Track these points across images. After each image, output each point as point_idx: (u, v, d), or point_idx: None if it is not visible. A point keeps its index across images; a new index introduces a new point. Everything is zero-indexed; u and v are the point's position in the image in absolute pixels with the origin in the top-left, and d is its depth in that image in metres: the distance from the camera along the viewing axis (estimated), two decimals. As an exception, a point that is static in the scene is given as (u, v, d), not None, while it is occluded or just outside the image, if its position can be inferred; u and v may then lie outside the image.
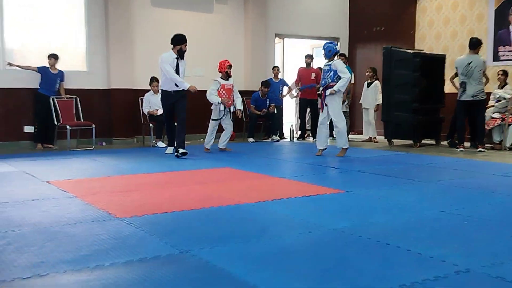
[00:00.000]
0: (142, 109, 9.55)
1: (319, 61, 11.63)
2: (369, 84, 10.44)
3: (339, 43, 12.71)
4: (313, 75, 10.69)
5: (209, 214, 3.94)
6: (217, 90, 8.29)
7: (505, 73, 9.04)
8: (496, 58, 9.74)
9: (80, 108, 9.28)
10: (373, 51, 12.18)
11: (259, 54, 11.28)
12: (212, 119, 8.52)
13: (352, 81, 11.01)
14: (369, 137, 10.44)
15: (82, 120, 9.16)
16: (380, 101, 10.08)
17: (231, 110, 8.49)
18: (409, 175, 5.91)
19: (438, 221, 3.76)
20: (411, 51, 9.42)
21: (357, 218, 3.83)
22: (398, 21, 11.59)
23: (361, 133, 11.18)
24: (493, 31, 9.78)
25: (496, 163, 7.10)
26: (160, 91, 7.80)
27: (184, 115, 7.60)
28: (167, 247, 3.08)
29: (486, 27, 9.87)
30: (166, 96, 7.65)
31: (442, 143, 9.56)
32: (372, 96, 10.36)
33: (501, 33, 9.66)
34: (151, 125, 9.29)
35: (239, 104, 8.56)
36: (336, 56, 7.62)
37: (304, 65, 10.76)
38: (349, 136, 10.78)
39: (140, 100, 9.73)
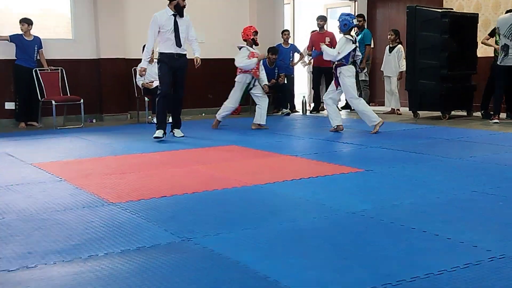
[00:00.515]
0: (135, 81, 9.55)
1: (334, 24, 11.53)
2: (391, 49, 10.34)
3: (356, 2, 12.57)
4: (327, 39, 10.58)
5: (213, 198, 3.97)
6: (247, 58, 8.16)
7: None
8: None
9: (66, 81, 9.28)
10: (395, 11, 12.03)
11: (266, 16, 11.18)
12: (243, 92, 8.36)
13: (372, 45, 10.91)
14: (392, 108, 10.39)
15: (68, 94, 9.17)
16: (403, 68, 9.99)
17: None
18: (437, 151, 5.90)
19: (470, 202, 3.76)
20: (439, 10, 9.30)
21: (379, 200, 3.84)
22: (424, -24, 11.42)
23: (383, 104, 11.13)
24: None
25: (535, 136, 7.07)
26: (157, 57, 7.39)
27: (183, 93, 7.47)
28: (167, 234, 3.11)
29: (525, -19, 9.71)
30: (167, 61, 7.16)
31: (474, 114, 9.51)
32: (394, 62, 10.28)
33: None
34: (146, 99, 9.28)
35: (264, 78, 8.43)
36: (353, 30, 7.57)
37: (317, 29, 10.67)
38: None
39: (133, 71, 9.71)
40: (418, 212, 3.53)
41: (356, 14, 11.64)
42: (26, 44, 8.94)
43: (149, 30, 7.11)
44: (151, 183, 4.51)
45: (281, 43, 10.84)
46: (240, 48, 8.30)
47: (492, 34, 8.90)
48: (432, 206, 3.66)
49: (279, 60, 10.53)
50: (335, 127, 7.66)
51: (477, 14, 9.66)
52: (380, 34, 12.16)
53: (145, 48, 7.28)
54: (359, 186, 4.36)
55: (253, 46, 8.25)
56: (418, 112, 9.50)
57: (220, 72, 10.84)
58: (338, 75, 7.46)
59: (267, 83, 8.45)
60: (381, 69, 10.66)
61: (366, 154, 5.91)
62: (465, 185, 4.23)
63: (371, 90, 11.42)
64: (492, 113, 8.62)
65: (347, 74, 7.43)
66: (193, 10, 10.54)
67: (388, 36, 10.38)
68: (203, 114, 10.78)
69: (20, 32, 8.91)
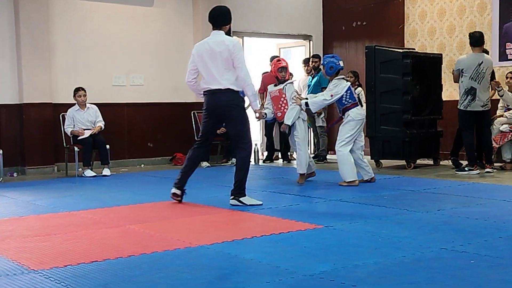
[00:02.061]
0: (63, 129, 9.42)
1: (293, 65, 11.77)
2: (350, 92, 10.59)
3: (311, 42, 12.91)
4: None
5: (152, 262, 3.89)
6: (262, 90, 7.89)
7: None
8: (503, 57, 10.05)
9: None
10: (353, 51, 12.42)
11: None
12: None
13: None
14: (353, 157, 10.55)
15: (-15, 144, 8.94)
16: (364, 114, 10.22)
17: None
18: (402, 204, 5.99)
19: (439, 260, 3.81)
20: (400, 50, 9.63)
21: (339, 260, 3.85)
22: (383, 14, 11.88)
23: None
24: (498, 24, 10.12)
25: (507, 186, 7.29)
26: (203, 93, 6.23)
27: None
28: (97, 306, 3.02)
29: (489, 19, 10.21)
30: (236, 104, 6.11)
31: (441, 163, 9.76)
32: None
33: (507, 26, 10.00)
34: (76, 148, 9.16)
35: (287, 116, 7.64)
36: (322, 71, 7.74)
37: (269, 70, 10.86)
38: (328, 156, 10.96)
39: (61, 118, 9.60)
40: (383, 273, 3.54)
41: (311, 54, 11.95)
42: None
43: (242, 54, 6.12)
44: (80, 246, 4.40)
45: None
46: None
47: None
48: (398, 266, 3.69)
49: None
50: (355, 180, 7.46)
51: (441, 54, 10.08)
52: (338, 76, 12.46)
53: (250, 81, 6.11)
54: (317, 244, 4.37)
55: (277, 83, 7.90)
56: (381, 161, 9.68)
57: (162, 118, 10.85)
58: (345, 117, 7.54)
59: (288, 123, 7.62)
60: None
61: (325, 208, 5.95)
62: (433, 242, 4.29)
63: (329, 137, 11.59)
64: (462, 163, 8.79)
65: (356, 118, 7.47)
66: (132, 51, 10.63)
67: (348, 79, 10.63)
68: (142, 166, 10.69)
69: None
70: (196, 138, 10.71)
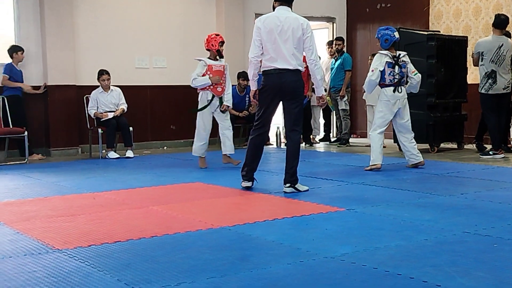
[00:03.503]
0: (87, 111, 9.50)
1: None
2: (373, 75, 10.51)
3: (334, 24, 12.81)
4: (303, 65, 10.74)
5: (174, 242, 3.93)
6: (203, 73, 7.67)
7: None
8: (530, 39, 9.87)
9: (8, 111, 9.18)
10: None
11: (235, 39, 11.31)
12: (198, 112, 7.79)
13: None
14: (375, 141, 10.50)
15: (11, 126, 9.07)
16: (387, 96, 10.15)
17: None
18: (425, 188, 5.96)
19: (461, 244, 3.79)
20: (425, 33, 9.53)
21: (361, 242, 3.85)
22: (408, -4, 11.73)
23: (366, 136, 11.26)
24: (525, 6, 9.95)
25: (532, 170, 7.21)
26: (261, 73, 5.95)
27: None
28: (120, 285, 3.06)
29: (516, 1, 10.04)
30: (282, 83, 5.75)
31: (465, 146, 9.67)
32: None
33: (535, 8, 9.82)
34: (99, 130, 9.24)
35: (227, 97, 7.79)
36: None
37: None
38: (351, 140, 10.93)
39: (85, 100, 9.68)
40: (404, 256, 3.54)
41: (334, 37, 11.87)
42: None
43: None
44: (104, 226, 4.45)
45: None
46: (199, 60, 7.83)
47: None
48: (419, 249, 3.68)
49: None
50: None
51: (467, 37, 9.94)
52: (361, 59, 12.39)
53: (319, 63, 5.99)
54: (339, 227, 4.37)
55: (218, 58, 7.79)
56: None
57: (184, 101, 10.87)
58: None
59: (229, 104, 7.86)
60: (363, 98, 10.82)
61: (347, 192, 5.94)
62: (455, 225, 4.27)
63: (352, 120, 11.55)
64: (486, 146, 8.72)
65: (381, 98, 7.34)
66: (155, 33, 10.65)
67: (370, 62, 10.55)
68: (165, 148, 10.75)
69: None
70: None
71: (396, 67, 7.20)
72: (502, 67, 8.34)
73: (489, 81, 8.36)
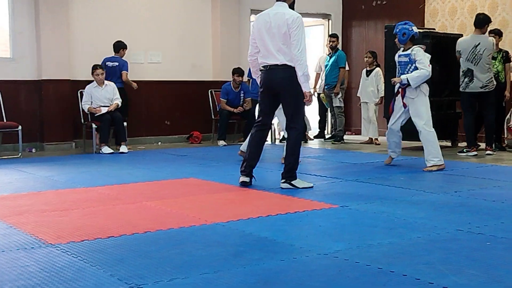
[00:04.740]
0: (81, 106, 9.48)
1: (311, 44, 11.70)
2: (368, 73, 10.53)
3: (330, 21, 12.81)
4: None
5: (168, 238, 3.93)
6: None
7: None
8: (525, 39, 9.91)
9: (2, 105, 9.15)
10: (372, 31, 12.31)
11: (230, 35, 11.30)
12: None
13: (347, 68, 11.09)
14: (370, 138, 10.53)
15: (5, 120, 9.03)
16: (382, 94, 10.17)
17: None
18: (419, 185, 5.98)
19: (454, 242, 3.81)
20: (420, 30, 9.52)
21: (354, 239, 3.86)
22: (404, -7, 11.74)
23: (360, 133, 11.28)
24: (521, 4, 9.96)
25: (525, 168, 7.24)
26: (260, 70, 5.93)
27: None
28: (113, 280, 3.06)
29: None
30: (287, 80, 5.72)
31: (459, 144, 9.70)
32: (372, 87, 10.46)
33: (531, 7, 9.84)
34: (93, 125, 9.22)
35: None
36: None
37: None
38: (345, 137, 10.94)
39: (79, 94, 9.65)
40: (397, 253, 3.55)
41: (329, 33, 11.87)
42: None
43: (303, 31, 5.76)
44: (97, 221, 4.44)
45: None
46: None
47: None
48: (412, 247, 3.69)
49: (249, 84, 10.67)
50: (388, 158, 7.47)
51: (462, 34, 9.93)
52: (356, 56, 12.40)
53: (305, 59, 5.78)
54: (332, 224, 4.38)
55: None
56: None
57: (179, 96, 10.87)
58: (405, 92, 7.12)
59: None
60: (358, 95, 10.83)
61: (341, 188, 5.95)
62: (449, 223, 4.28)
63: (347, 117, 11.56)
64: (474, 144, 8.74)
65: (424, 91, 7.08)
66: (150, 28, 10.62)
67: (365, 59, 10.57)
68: (159, 143, 10.74)
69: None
70: (212, 116, 10.84)
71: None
72: (479, 66, 8.37)
73: (465, 79, 8.44)
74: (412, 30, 7.08)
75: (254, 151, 6.00)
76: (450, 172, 6.91)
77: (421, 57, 6.99)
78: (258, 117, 6.08)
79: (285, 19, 5.60)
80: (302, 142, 10.76)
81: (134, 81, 9.90)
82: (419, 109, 7.05)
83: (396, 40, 7.23)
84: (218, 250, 3.63)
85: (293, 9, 5.85)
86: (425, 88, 7.08)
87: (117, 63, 9.79)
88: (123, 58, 9.87)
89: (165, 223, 4.33)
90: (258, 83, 6.02)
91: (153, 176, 6.72)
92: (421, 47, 7.08)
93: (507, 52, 9.02)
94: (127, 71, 9.79)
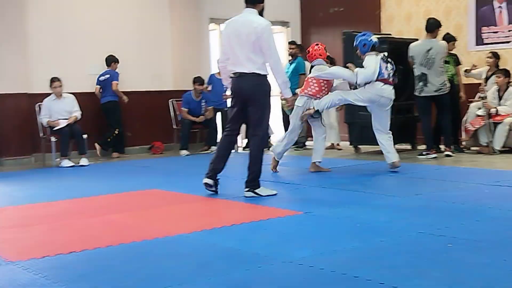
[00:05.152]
0: (39, 119, 9.32)
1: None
2: (328, 78, 10.59)
3: (289, 29, 12.88)
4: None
5: (131, 251, 3.88)
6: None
7: (495, 56, 9.35)
8: (479, 41, 10.12)
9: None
10: (331, 38, 12.38)
11: (190, 44, 11.26)
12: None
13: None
14: (331, 143, 10.59)
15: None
16: (342, 99, 10.24)
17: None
18: (381, 189, 6.04)
19: (417, 244, 3.85)
20: (377, 36, 9.62)
21: (319, 245, 3.87)
22: (360, 0, 11.86)
23: (322, 139, 11.31)
24: (474, 8, 10.17)
25: (484, 169, 7.37)
26: (230, 77, 5.86)
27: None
28: (76, 297, 3.00)
29: (465, 3, 10.25)
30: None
31: (419, 147, 9.82)
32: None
33: (483, 10, 10.05)
34: (53, 139, 9.07)
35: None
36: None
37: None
38: (307, 143, 10.98)
39: (37, 108, 9.49)
40: (361, 258, 3.57)
41: (288, 41, 11.92)
42: None
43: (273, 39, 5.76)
44: (58, 236, 4.37)
45: (214, 73, 10.91)
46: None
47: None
48: (376, 251, 3.71)
49: (212, 92, 10.64)
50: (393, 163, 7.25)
51: (418, 39, 10.07)
52: (316, 63, 12.46)
53: (282, 68, 5.88)
54: (297, 231, 4.39)
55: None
56: (359, 146, 9.72)
57: (139, 107, 10.77)
58: None
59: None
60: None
61: (305, 195, 5.97)
62: (411, 226, 4.33)
63: (308, 123, 11.59)
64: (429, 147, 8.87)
65: (369, 90, 7.10)
66: (108, 39, 10.51)
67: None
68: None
69: None
70: (175, 126, 10.78)
71: (388, 64, 7.21)
72: (433, 70, 8.52)
73: (420, 83, 8.59)
74: (372, 40, 7.21)
75: (221, 155, 5.97)
76: (411, 175, 6.99)
77: (367, 61, 7.13)
78: (227, 123, 6.06)
79: (253, 27, 5.57)
80: (265, 149, 10.86)
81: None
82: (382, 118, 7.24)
83: (358, 51, 7.31)
84: (182, 262, 3.60)
85: (262, 15, 5.82)
86: (374, 88, 7.11)
87: (108, 75, 10.05)
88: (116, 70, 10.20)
89: (127, 236, 4.28)
90: (229, 89, 6.01)
91: (115, 189, 6.62)
92: (371, 54, 7.15)
93: (457, 56, 9.23)
94: (117, 81, 10.05)
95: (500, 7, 9.82)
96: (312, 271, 3.32)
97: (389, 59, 7.29)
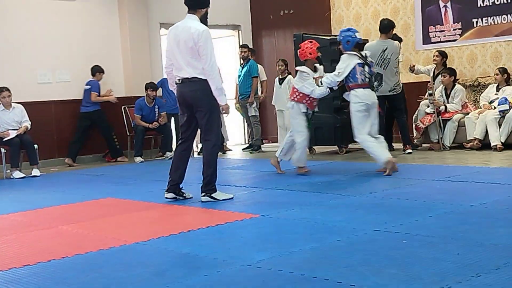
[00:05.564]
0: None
1: (220, 56, 11.72)
2: (281, 81, 10.64)
3: (240, 32, 12.90)
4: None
5: (87, 262, 3.82)
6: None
7: (442, 54, 9.56)
8: (426, 40, 10.33)
9: None
10: (282, 40, 12.48)
11: (141, 49, 11.16)
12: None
13: (264, 78, 11.19)
14: (286, 145, 10.62)
15: None
16: (296, 101, 10.30)
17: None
18: (336, 189, 6.09)
19: (372, 242, 3.90)
20: (328, 37, 9.73)
21: (276, 248, 3.88)
22: (310, 2, 11.97)
23: (277, 141, 11.37)
24: (420, 8, 10.38)
25: (435, 166, 7.52)
26: (175, 83, 5.83)
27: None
28: (30, 311, 2.94)
29: (412, 3, 10.45)
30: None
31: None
32: (286, 94, 10.55)
33: (430, 10, 10.27)
34: (2, 150, 8.86)
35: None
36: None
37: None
38: (262, 145, 11.02)
39: (-15, 118, 9.26)
40: (318, 258, 3.59)
41: (240, 44, 11.95)
42: None
43: (212, 44, 5.70)
44: (11, 250, 4.27)
45: (166, 78, 10.82)
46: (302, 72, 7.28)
47: None
48: (333, 250, 3.74)
49: (166, 98, 10.57)
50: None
51: (367, 40, 10.23)
52: (268, 65, 12.50)
53: (217, 74, 5.76)
54: (254, 234, 4.39)
55: (316, 68, 7.38)
56: (314, 147, 9.80)
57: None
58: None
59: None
60: (272, 103, 10.93)
61: (261, 197, 5.98)
62: (366, 224, 4.38)
63: (263, 126, 11.65)
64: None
65: (353, 101, 6.96)
66: (57, 46, 10.33)
67: (278, 67, 10.68)
68: (74, 164, 10.42)
69: None
70: (128, 133, 10.67)
71: (366, 66, 7.01)
72: (388, 70, 8.71)
73: (375, 83, 8.69)
74: (356, 36, 6.98)
75: (177, 165, 5.92)
76: (365, 174, 7.08)
77: (339, 63, 7.02)
78: (180, 131, 6.05)
79: (191, 33, 5.58)
80: (220, 153, 10.85)
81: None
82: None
83: (341, 47, 7.13)
84: (139, 270, 3.56)
85: (206, 21, 5.82)
86: (354, 96, 6.98)
87: (89, 86, 10.25)
88: (99, 81, 10.40)
89: (83, 247, 4.20)
90: (176, 95, 5.99)
91: (68, 199, 6.50)
92: (353, 55, 6.96)
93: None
94: (96, 91, 10.25)
95: (445, 6, 10.04)
96: (270, 274, 3.33)
97: (367, 62, 7.05)
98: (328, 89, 7.11)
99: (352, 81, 6.96)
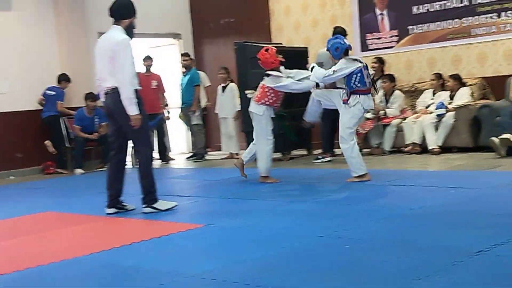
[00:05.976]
0: None
1: (159, 65, 11.63)
2: (223, 88, 10.64)
3: (181, 41, 12.83)
4: (154, 83, 10.67)
5: (25, 279, 3.70)
6: None
7: (380, 61, 9.74)
8: (364, 47, 10.51)
9: None
10: (223, 48, 12.45)
11: (79, 60, 10.93)
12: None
13: (207, 84, 11.17)
14: (230, 153, 10.61)
15: None
16: (239, 108, 10.29)
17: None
18: (280, 196, 6.11)
19: (317, 249, 3.91)
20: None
21: (221, 258, 3.85)
22: (250, 10, 12.01)
23: (220, 149, 11.34)
24: (358, 16, 10.56)
25: (376, 170, 7.61)
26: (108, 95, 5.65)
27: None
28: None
29: (350, 12, 10.63)
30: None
31: (314, 152, 10.05)
32: (229, 102, 10.56)
33: (367, 18, 10.46)
34: None
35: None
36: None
37: (143, 70, 10.66)
38: (206, 154, 10.95)
39: None
40: (264, 266, 3.57)
41: (181, 53, 11.88)
42: None
43: (131, 53, 5.56)
44: None
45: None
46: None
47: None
48: (278, 258, 3.73)
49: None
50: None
51: (307, 47, 10.36)
52: (209, 73, 12.45)
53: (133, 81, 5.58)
54: (199, 244, 4.35)
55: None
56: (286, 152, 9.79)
57: (30, 126, 10.34)
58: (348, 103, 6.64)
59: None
60: (216, 111, 10.91)
61: (206, 207, 5.94)
62: (310, 231, 4.39)
63: (207, 134, 11.59)
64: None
65: (352, 103, 6.60)
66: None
67: (220, 75, 10.68)
68: (11, 177, 10.12)
69: None
70: (66, 144, 10.43)
71: (368, 71, 6.81)
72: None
73: None
74: (345, 43, 6.77)
75: (113, 178, 5.84)
76: (308, 180, 7.13)
77: (337, 64, 6.67)
78: (109, 142, 5.98)
79: (110, 43, 5.54)
80: (163, 163, 10.73)
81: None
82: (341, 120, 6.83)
83: (330, 56, 6.91)
84: (80, 285, 3.48)
85: (131, 32, 5.70)
86: (355, 101, 6.64)
87: (54, 93, 10.34)
88: (64, 89, 10.49)
89: (21, 263, 4.06)
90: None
91: (5, 214, 6.28)
92: (354, 60, 6.72)
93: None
94: (62, 101, 10.38)
95: (382, 14, 10.24)
96: (215, 284, 3.30)
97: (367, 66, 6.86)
98: (314, 83, 7.02)
99: (360, 85, 6.60)
